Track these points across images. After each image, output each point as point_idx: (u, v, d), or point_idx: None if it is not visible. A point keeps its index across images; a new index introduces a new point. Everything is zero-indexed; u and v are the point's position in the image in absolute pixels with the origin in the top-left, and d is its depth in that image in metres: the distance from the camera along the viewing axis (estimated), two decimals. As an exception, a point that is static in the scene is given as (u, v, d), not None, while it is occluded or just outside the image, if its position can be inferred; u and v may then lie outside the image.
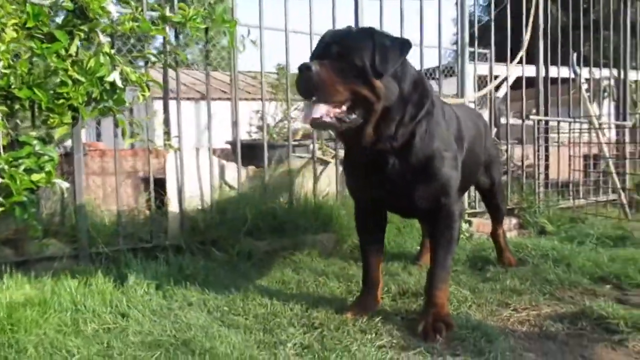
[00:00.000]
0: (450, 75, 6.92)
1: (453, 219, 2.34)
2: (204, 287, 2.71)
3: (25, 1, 2.61)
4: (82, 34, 2.74)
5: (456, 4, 4.46)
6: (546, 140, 5.17)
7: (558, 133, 5.23)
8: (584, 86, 5.30)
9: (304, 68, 2.00)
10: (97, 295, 2.47)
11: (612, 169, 4.82)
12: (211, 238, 3.30)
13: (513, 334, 2.20)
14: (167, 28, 3.11)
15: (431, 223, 2.42)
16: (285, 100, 4.11)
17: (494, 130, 4.50)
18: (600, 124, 5.10)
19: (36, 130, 2.79)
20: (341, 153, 4.25)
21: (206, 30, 3.33)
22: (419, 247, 3.47)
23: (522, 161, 4.90)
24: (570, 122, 5.20)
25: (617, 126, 5.73)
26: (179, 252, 3.17)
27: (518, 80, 5.01)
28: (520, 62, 4.71)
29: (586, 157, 5.54)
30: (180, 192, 3.37)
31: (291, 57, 3.77)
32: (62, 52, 2.66)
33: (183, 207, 3.37)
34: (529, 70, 4.94)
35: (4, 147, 2.56)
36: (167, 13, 3.09)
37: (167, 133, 3.62)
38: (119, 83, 2.82)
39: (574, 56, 5.45)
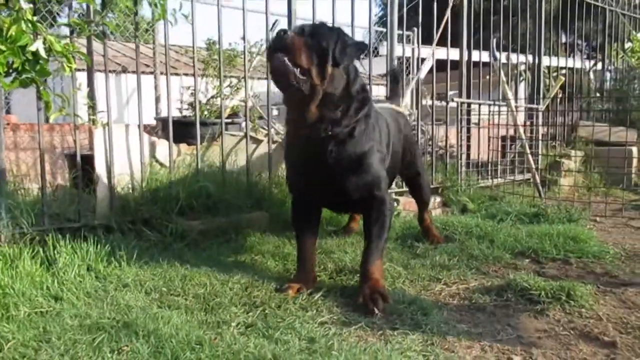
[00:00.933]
0: (375, 56, 7.04)
1: (386, 207, 2.59)
2: (138, 268, 2.65)
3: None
4: (0, -1, 2.54)
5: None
6: (468, 122, 5.41)
7: (479, 115, 5.48)
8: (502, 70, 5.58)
9: (282, 32, 2.30)
10: (25, 277, 2.33)
11: (527, 149, 5.12)
12: (142, 217, 3.20)
13: (446, 307, 2.32)
14: (94, -5, 2.93)
15: (365, 212, 2.64)
16: (218, 76, 4.01)
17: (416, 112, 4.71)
18: (516, 107, 5.40)
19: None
20: (273, 133, 4.25)
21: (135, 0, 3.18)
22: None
23: (446, 142, 5.10)
24: (490, 105, 5.47)
25: (531, 109, 6.10)
26: (108, 231, 3.05)
27: (443, 63, 5.19)
28: (444, 45, 4.89)
29: (504, 139, 5.86)
30: (109, 169, 3.23)
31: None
32: (-21, 18, 2.45)
33: (113, 184, 3.24)
34: (453, 54, 5.13)
35: None
36: (95, -20, 2.92)
37: (92, 107, 3.45)
38: (43, 53, 2.64)
39: (493, 41, 5.72)
